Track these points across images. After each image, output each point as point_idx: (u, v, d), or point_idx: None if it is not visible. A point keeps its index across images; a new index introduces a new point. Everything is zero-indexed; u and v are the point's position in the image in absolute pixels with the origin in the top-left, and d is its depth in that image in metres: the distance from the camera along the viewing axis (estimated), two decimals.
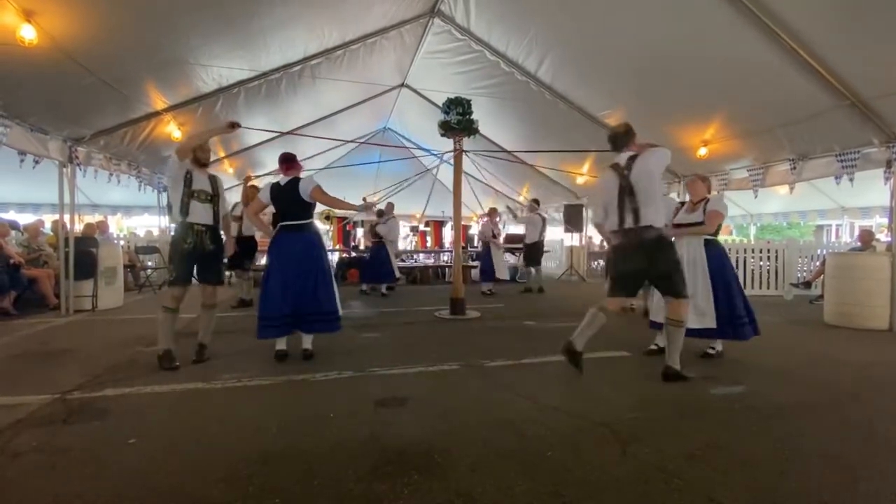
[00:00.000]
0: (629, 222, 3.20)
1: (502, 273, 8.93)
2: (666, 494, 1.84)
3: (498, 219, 9.59)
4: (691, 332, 3.61)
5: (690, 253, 3.83)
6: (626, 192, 3.19)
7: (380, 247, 8.30)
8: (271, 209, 3.91)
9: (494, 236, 8.97)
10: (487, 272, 8.81)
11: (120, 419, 2.56)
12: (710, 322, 3.70)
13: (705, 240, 3.85)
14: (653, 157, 3.21)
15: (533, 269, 9.19)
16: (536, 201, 9.54)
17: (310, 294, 3.69)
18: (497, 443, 2.29)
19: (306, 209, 3.82)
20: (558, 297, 8.27)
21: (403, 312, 6.43)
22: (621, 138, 3.38)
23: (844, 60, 4.50)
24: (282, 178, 3.86)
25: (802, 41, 4.39)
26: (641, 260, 3.19)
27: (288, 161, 3.87)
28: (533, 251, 9.01)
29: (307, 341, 3.84)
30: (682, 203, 4.32)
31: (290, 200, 3.75)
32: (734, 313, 3.76)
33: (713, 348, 3.96)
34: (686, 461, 2.11)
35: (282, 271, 3.68)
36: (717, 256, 3.85)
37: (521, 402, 2.87)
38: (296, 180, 3.80)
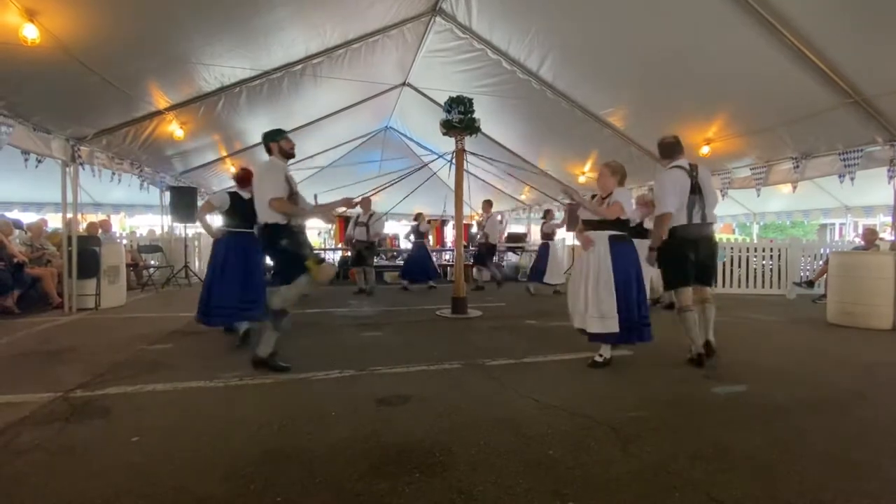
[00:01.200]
0: (697, 218, 3.69)
1: (559, 276, 8.26)
2: (667, 493, 1.84)
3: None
4: (595, 337, 3.54)
5: (597, 252, 3.54)
6: (696, 192, 3.69)
7: (421, 246, 9.19)
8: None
9: (551, 233, 8.33)
10: (541, 273, 8.33)
11: (122, 417, 2.57)
12: (613, 326, 3.45)
13: (614, 236, 3.54)
14: (706, 168, 3.94)
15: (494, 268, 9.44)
16: (489, 202, 9.35)
17: (256, 287, 4.34)
18: (498, 441, 2.29)
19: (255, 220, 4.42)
20: (560, 295, 8.25)
21: (405, 311, 6.43)
22: (675, 147, 3.88)
23: (848, 58, 4.47)
24: (243, 191, 4.42)
25: (806, 39, 4.37)
26: (704, 250, 3.73)
27: (248, 179, 4.42)
28: (493, 251, 9.13)
29: (243, 326, 4.36)
30: (593, 196, 4.23)
31: (249, 212, 4.24)
32: (641, 313, 3.55)
33: (601, 356, 3.62)
34: (687, 460, 2.10)
35: (233, 270, 4.30)
36: (624, 254, 3.54)
37: (523, 400, 2.87)
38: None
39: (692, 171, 3.70)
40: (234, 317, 4.31)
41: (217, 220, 4.87)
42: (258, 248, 4.38)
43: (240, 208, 4.39)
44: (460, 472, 1.99)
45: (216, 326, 4.50)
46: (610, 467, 2.04)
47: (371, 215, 8.46)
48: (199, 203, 8.91)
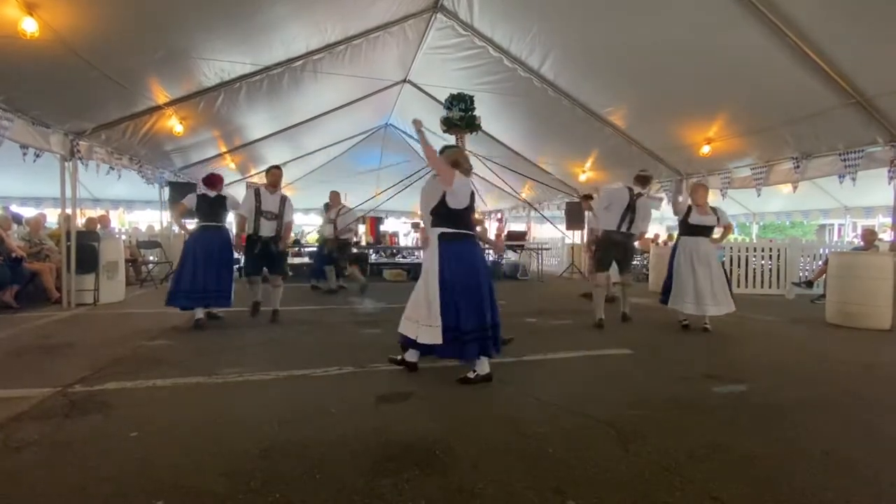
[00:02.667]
0: (624, 227, 5.13)
1: None
2: (667, 492, 1.84)
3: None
4: (424, 349, 3.19)
5: (429, 250, 3.19)
6: (630, 210, 5.09)
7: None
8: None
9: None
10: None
11: (122, 413, 2.56)
12: (437, 337, 3.01)
13: (443, 234, 3.14)
14: (649, 202, 5.38)
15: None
16: (337, 193, 8.22)
17: (213, 277, 4.89)
18: (499, 439, 2.29)
19: (224, 217, 5.24)
20: (560, 294, 8.26)
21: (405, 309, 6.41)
22: (643, 182, 5.25)
23: (849, 58, 4.47)
24: (209, 192, 5.02)
25: (808, 38, 4.36)
26: (622, 251, 5.28)
27: (217, 182, 5.11)
28: (346, 250, 8.26)
29: (217, 312, 5.14)
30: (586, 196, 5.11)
31: (217, 209, 5.10)
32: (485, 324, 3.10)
33: (474, 371, 3.12)
34: (688, 459, 2.10)
35: (195, 259, 4.84)
36: (454, 255, 3.08)
37: (523, 398, 2.87)
38: (222, 196, 5.11)
39: (636, 196, 5.10)
40: (198, 302, 4.84)
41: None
42: (227, 241, 5.14)
43: (206, 207, 5.01)
44: (461, 469, 1.99)
45: (179, 309, 4.93)
46: (610, 466, 2.04)
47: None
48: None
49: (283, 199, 5.20)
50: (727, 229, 5.11)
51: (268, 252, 5.08)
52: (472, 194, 3.22)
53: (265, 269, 5.33)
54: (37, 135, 5.24)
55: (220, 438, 2.27)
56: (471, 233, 3.19)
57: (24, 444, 2.17)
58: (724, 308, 4.88)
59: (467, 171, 3.20)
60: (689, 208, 5.00)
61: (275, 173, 5.24)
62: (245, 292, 5.36)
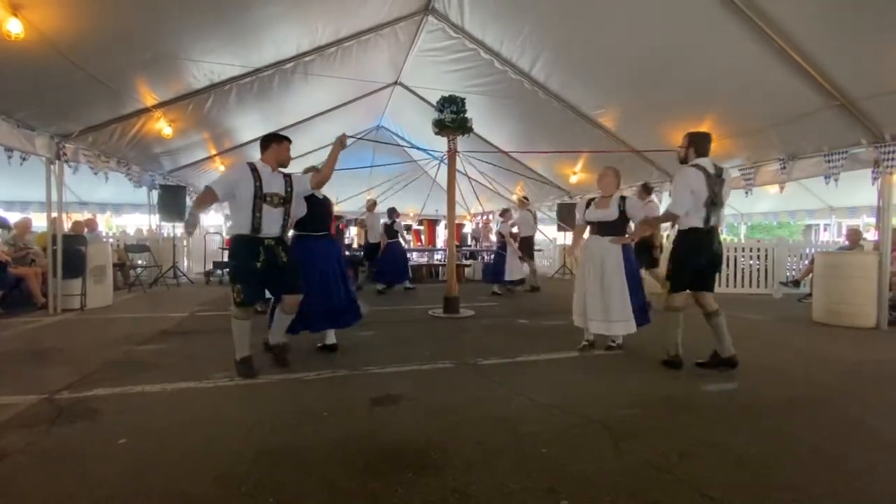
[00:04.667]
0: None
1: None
2: (659, 490, 1.85)
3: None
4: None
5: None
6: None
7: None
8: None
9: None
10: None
11: (110, 419, 2.53)
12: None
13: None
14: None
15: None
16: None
17: None
18: (492, 440, 2.29)
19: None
20: (552, 295, 8.29)
21: (397, 311, 6.41)
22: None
23: (834, 61, 4.55)
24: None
25: (793, 42, 4.44)
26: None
27: None
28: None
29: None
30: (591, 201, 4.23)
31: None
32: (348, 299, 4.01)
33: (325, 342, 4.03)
34: (679, 457, 2.12)
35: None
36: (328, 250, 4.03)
37: (516, 399, 2.87)
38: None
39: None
40: None
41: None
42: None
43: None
44: (454, 470, 1.99)
45: None
46: (603, 465, 2.05)
47: None
48: (189, 202, 8.87)
49: (289, 178, 3.46)
50: (645, 224, 3.98)
51: (276, 265, 3.26)
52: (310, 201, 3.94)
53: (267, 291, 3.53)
54: (22, 137, 5.15)
55: (212, 442, 2.25)
56: (320, 234, 3.99)
57: (11, 451, 2.12)
58: (618, 327, 3.87)
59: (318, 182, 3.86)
60: (590, 201, 4.06)
61: (288, 147, 3.51)
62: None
